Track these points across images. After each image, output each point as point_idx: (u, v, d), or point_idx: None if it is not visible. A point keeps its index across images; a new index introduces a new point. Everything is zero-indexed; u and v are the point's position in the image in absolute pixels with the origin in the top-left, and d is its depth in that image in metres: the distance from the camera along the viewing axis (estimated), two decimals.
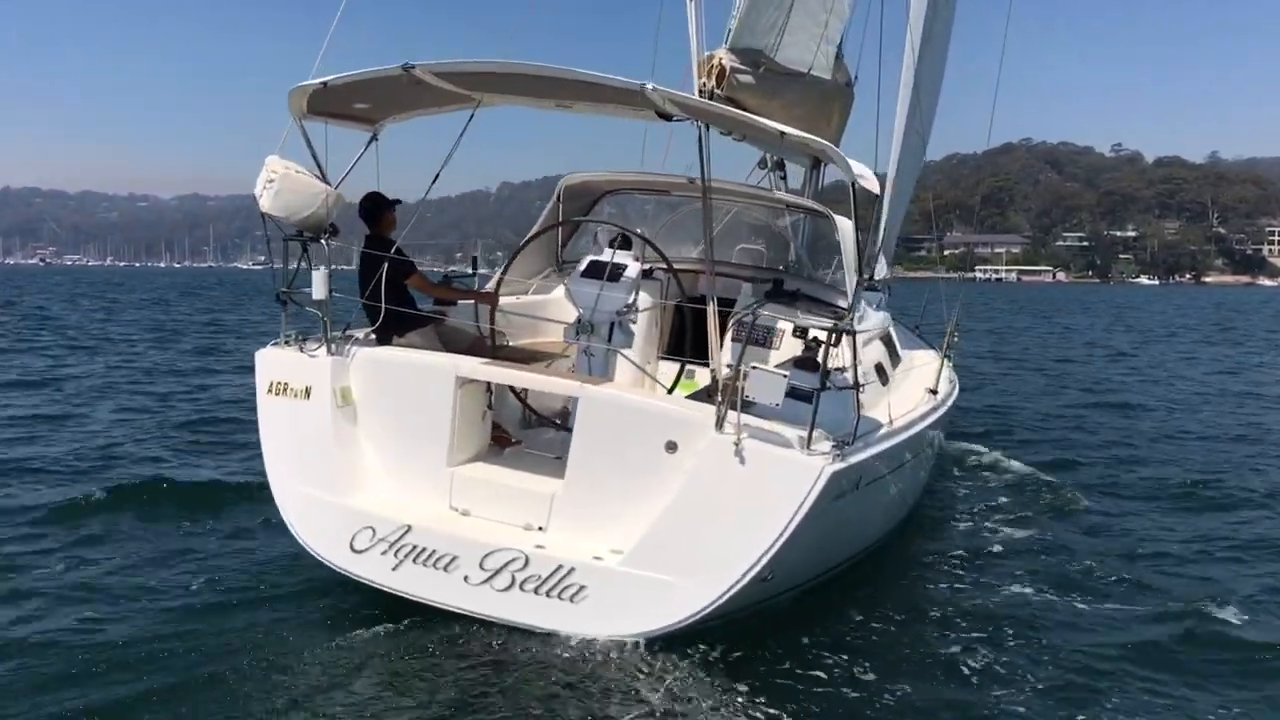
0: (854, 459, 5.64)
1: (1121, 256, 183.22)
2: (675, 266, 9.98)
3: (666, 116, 6.13)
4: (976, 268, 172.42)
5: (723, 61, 7.62)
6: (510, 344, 8.17)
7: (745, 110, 8.03)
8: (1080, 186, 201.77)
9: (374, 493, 6.26)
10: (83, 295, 58.75)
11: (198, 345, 25.94)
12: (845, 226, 7.79)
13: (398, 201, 7.20)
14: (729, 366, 5.78)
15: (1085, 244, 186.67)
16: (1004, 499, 9.99)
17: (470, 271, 7.91)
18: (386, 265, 6.76)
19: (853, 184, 5.61)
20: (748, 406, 5.61)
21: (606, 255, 7.22)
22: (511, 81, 6.05)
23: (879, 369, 7.92)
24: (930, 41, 12.99)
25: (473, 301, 7.59)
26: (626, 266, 7.06)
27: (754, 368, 5.49)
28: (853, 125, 13.85)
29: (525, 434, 7.24)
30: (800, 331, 6.00)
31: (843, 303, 7.66)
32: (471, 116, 6.95)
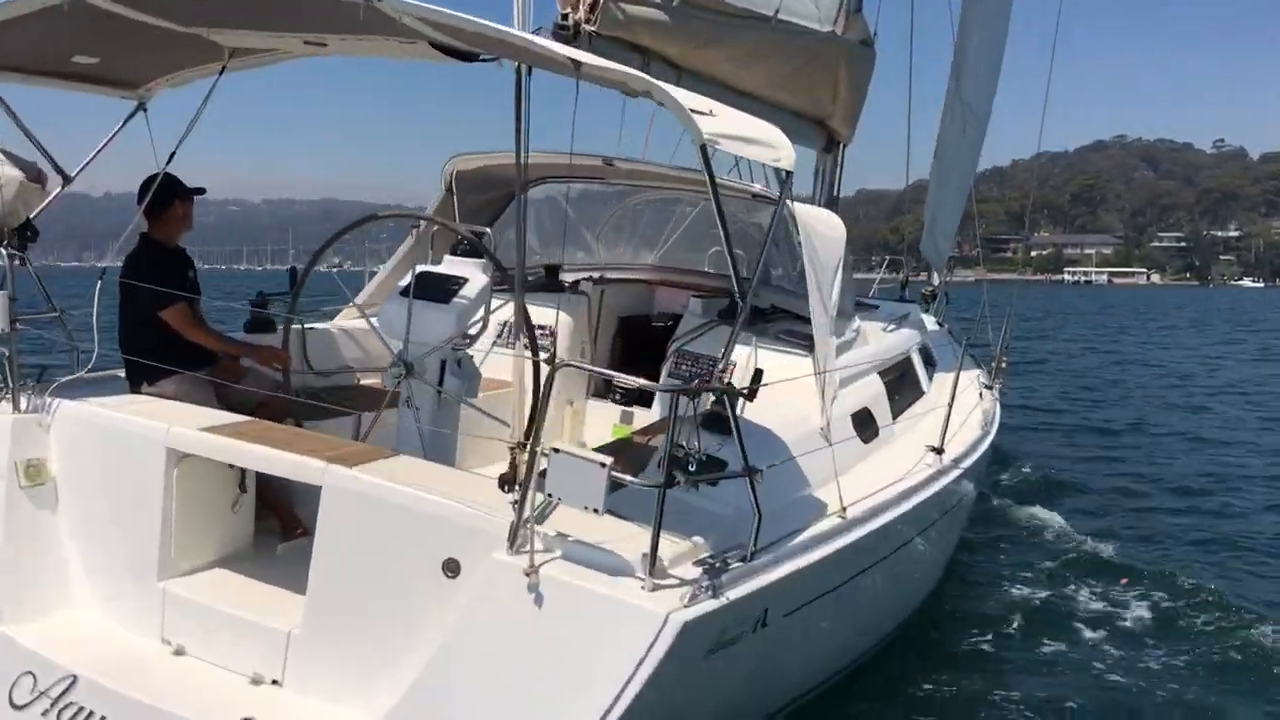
0: (733, 593, 3.43)
1: (1222, 257, 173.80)
2: (614, 276, 7.86)
3: (463, 55, 3.96)
4: (1065, 269, 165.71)
5: None
6: (361, 383, 6.08)
7: (668, 60, 5.79)
8: (1178, 184, 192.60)
9: (58, 618, 4.22)
10: None
11: None
12: (815, 220, 5.54)
13: (199, 191, 5.13)
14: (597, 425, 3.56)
15: (1183, 244, 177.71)
16: (1059, 588, 7.58)
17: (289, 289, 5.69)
18: (144, 284, 4.73)
19: (703, 146, 3.38)
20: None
21: (449, 266, 5.08)
22: (215, 5, 3.95)
23: (861, 421, 5.64)
24: None
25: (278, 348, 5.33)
26: (465, 281, 4.90)
27: (555, 450, 3.29)
28: (888, 103, 11.53)
29: None
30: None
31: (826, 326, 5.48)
32: (221, 73, 4.79)
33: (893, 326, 7.67)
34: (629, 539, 3.41)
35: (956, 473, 5.77)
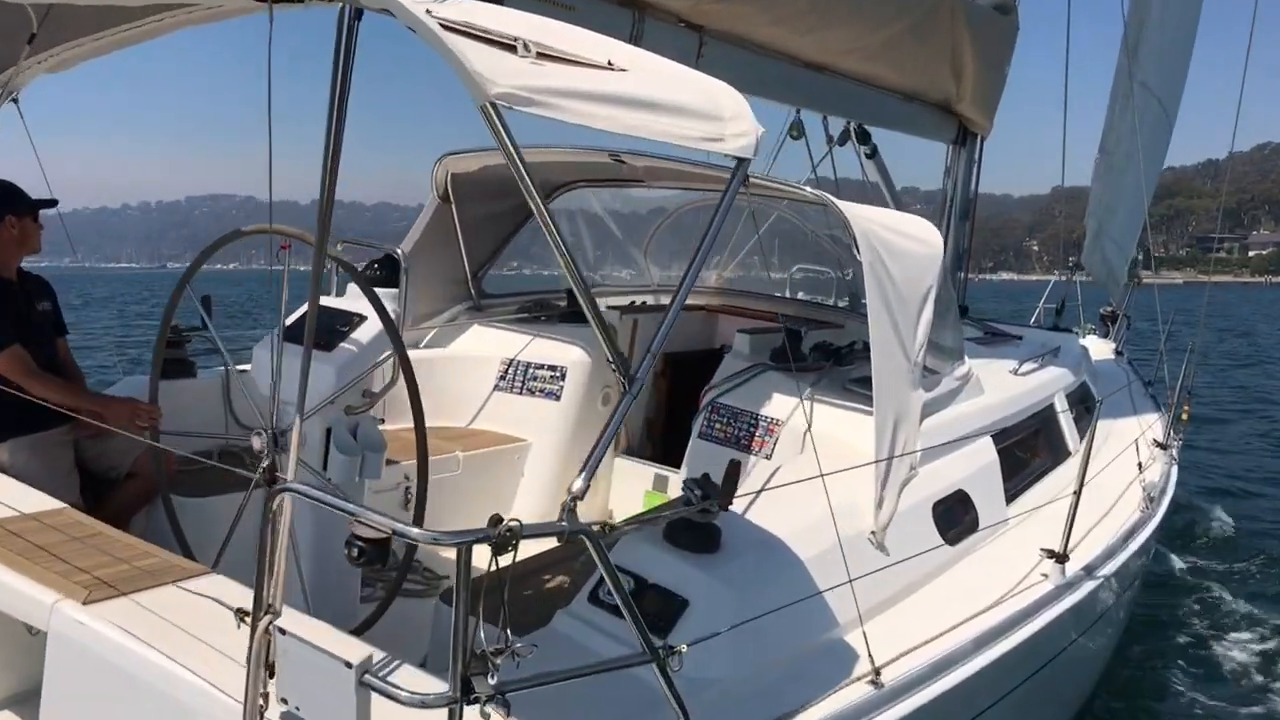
0: None
1: None
2: (667, 301, 6.43)
3: None
4: None
5: None
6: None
7: (679, 18, 4.29)
8: None
9: None
10: None
11: None
12: (889, 231, 4.02)
13: (47, 204, 4.06)
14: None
15: None
16: None
17: (201, 327, 4.47)
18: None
19: (486, 108, 1.93)
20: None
21: (350, 300, 3.82)
22: None
23: (950, 511, 4.08)
24: None
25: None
26: (360, 320, 3.63)
27: (281, 631, 1.97)
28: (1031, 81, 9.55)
29: None
30: None
31: (897, 379, 4.01)
32: (31, 41, 3.62)
33: (1031, 366, 5.95)
34: None
35: (1086, 590, 4.08)
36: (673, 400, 5.82)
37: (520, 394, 5.28)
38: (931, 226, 4.63)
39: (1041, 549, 4.05)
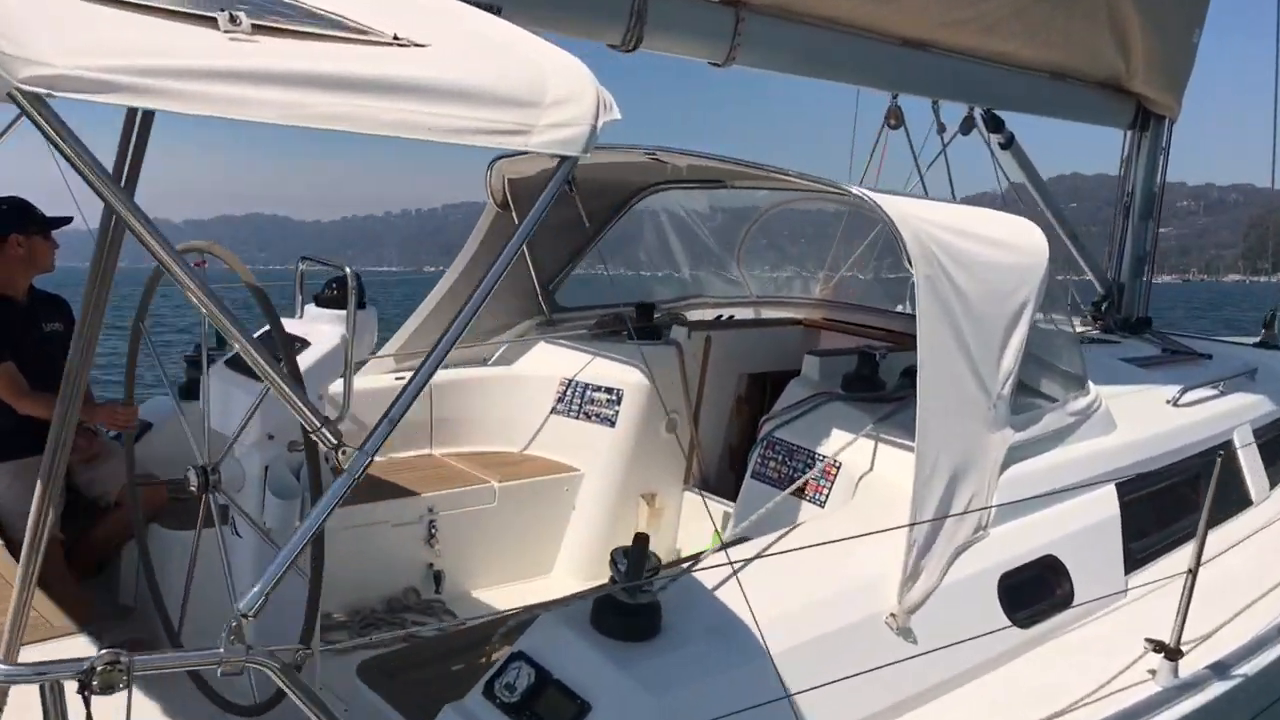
0: None
1: None
2: (770, 315, 5.66)
3: None
4: None
5: None
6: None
7: None
8: None
9: None
10: None
11: None
12: (959, 236, 3.31)
13: (58, 222, 3.93)
14: None
15: None
16: None
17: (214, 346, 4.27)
18: None
19: (16, 95, 1.35)
20: None
21: (303, 322, 3.44)
22: None
23: (1029, 585, 3.31)
24: None
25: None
26: (300, 346, 3.24)
27: None
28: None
29: None
30: None
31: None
32: None
33: (1202, 394, 4.92)
34: None
35: (1206, 699, 3.14)
36: (752, 420, 5.20)
37: (576, 418, 4.83)
38: (1034, 229, 3.84)
39: (1147, 640, 3.17)
